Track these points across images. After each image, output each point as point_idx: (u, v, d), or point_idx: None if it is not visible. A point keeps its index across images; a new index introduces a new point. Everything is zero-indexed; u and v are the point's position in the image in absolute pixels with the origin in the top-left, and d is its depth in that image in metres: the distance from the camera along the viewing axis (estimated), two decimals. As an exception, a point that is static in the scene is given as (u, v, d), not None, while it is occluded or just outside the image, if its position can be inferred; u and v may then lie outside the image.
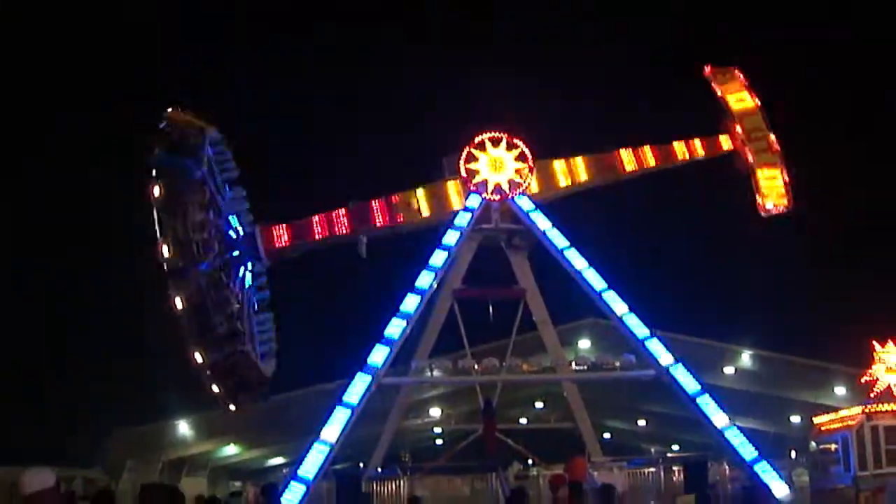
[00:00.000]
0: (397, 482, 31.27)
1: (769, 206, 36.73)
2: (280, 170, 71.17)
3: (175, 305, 27.78)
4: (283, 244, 33.03)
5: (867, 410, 27.09)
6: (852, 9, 65.87)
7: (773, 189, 36.80)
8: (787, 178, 36.80)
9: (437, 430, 37.23)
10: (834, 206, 57.34)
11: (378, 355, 29.43)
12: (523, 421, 35.96)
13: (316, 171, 70.24)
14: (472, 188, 33.04)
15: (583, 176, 35.06)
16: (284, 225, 33.04)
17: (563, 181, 34.80)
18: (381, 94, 76.57)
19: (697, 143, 36.73)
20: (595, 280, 31.29)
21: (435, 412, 36.50)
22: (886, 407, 27.23)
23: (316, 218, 33.23)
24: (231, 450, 57.90)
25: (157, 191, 27.89)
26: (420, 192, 33.86)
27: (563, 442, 34.71)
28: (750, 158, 36.81)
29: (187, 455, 54.40)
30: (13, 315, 48.34)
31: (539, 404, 36.19)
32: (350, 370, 29.81)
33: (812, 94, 58.82)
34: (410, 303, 30.60)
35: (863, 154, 60.62)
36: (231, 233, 32.18)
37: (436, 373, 31.64)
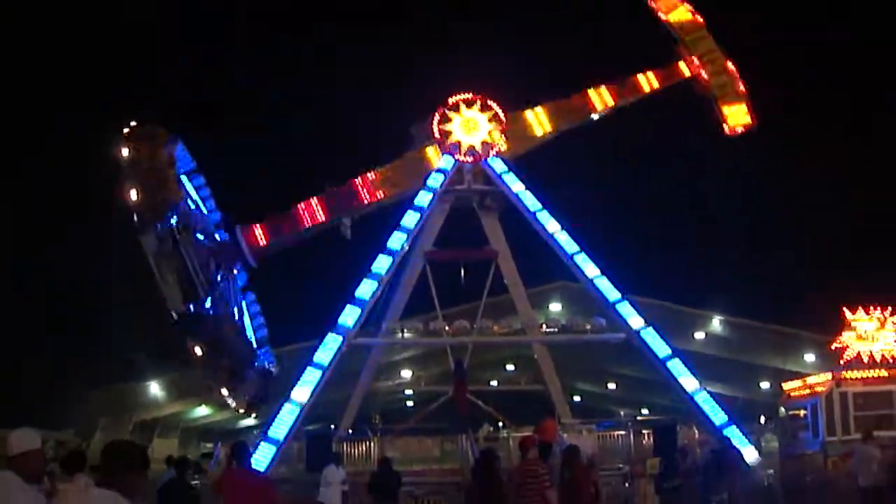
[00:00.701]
0: (368, 443, 31.28)
1: (734, 125, 36.93)
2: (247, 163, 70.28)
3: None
4: (266, 242, 32.92)
5: (836, 377, 27.25)
6: (851, 10, 65.41)
7: (735, 109, 36.96)
8: (747, 96, 37.03)
9: (408, 391, 37.21)
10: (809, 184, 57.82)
11: (349, 316, 29.46)
12: (494, 383, 35.95)
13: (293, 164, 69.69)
14: (444, 149, 32.88)
15: (552, 124, 34.94)
16: (264, 222, 32.90)
17: (536, 131, 34.66)
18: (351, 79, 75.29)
19: (655, 75, 36.70)
20: (567, 243, 31.29)
21: (406, 374, 36.56)
22: (856, 374, 27.40)
23: (302, 206, 33.15)
24: (202, 411, 57.81)
25: (198, 352, 29.14)
26: (396, 164, 33.68)
27: (534, 404, 34.76)
28: (708, 81, 36.87)
29: (159, 416, 54.32)
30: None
31: (510, 366, 36.20)
32: (321, 331, 29.82)
33: (812, 94, 58.87)
34: (382, 263, 30.57)
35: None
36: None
37: (407, 334, 31.63)
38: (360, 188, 33.24)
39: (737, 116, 36.76)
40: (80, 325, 49.15)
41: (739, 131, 36.90)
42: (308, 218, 32.96)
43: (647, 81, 36.30)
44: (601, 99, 35.37)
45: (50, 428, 40.61)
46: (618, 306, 30.29)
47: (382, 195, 33.55)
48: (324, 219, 33.15)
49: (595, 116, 35.51)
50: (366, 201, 33.35)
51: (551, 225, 31.65)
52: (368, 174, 33.38)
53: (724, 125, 36.75)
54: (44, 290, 50.60)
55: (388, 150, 35.48)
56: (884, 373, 27.44)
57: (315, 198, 32.96)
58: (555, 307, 44.04)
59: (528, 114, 34.68)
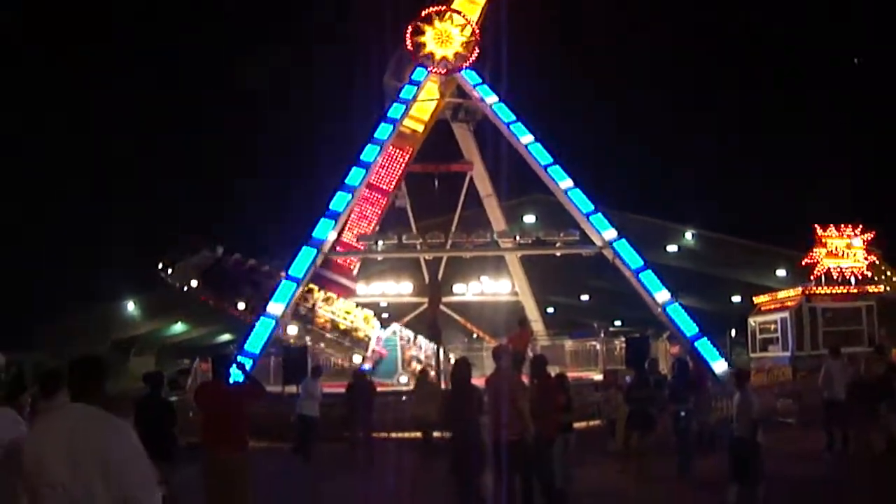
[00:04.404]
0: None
1: None
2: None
3: None
4: (352, 263, 34.35)
5: (807, 292, 27.61)
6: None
7: None
8: None
9: (383, 303, 37.33)
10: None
11: (323, 228, 29.50)
12: (468, 295, 36.09)
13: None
14: (418, 62, 32.64)
15: None
16: (341, 242, 33.32)
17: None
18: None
19: None
20: (541, 154, 31.23)
21: (380, 286, 36.60)
22: (826, 290, 27.78)
23: (359, 207, 33.70)
24: (178, 328, 58.08)
25: None
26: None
27: (508, 316, 35.06)
28: None
29: (135, 335, 54.52)
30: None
31: (484, 278, 36.30)
32: (296, 244, 29.86)
33: None
34: (355, 176, 30.52)
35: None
36: None
37: (381, 247, 31.71)
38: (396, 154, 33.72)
39: None
40: (58, 248, 48.96)
41: None
42: (374, 210, 33.82)
43: None
44: None
45: (27, 349, 40.73)
46: (591, 218, 30.35)
47: (412, 150, 33.91)
48: (385, 202, 34.06)
49: None
50: (403, 167, 33.80)
51: (525, 137, 31.55)
52: (389, 146, 33.59)
53: None
54: (22, 213, 50.31)
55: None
56: (853, 290, 27.89)
57: (365, 189, 33.10)
58: (529, 219, 44.21)
59: None
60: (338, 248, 33.17)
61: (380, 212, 34.10)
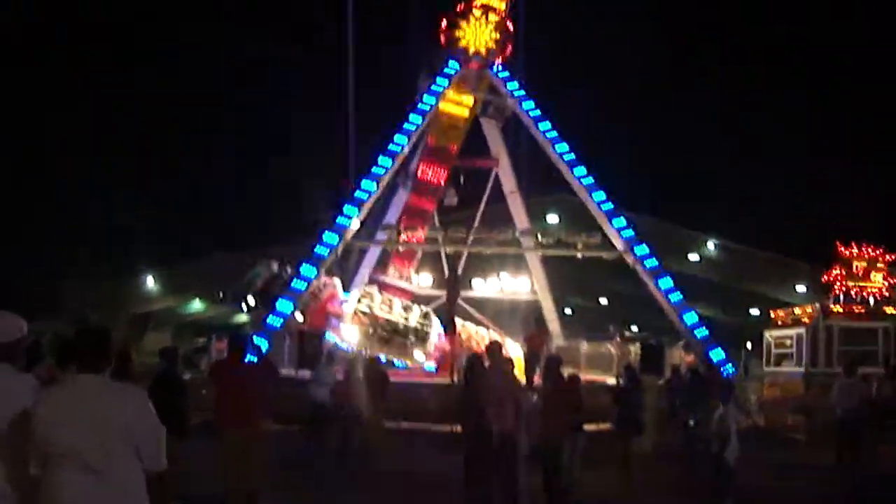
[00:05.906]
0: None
1: None
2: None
3: None
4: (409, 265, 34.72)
5: (824, 309, 27.51)
6: None
7: None
8: None
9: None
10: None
11: (347, 217, 29.58)
12: (486, 291, 36.08)
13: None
14: (451, 55, 32.79)
15: None
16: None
17: None
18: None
19: None
20: (568, 156, 31.28)
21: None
22: (843, 308, 27.68)
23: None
24: (196, 306, 58.21)
25: None
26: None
27: (525, 314, 35.05)
28: None
29: (153, 310, 54.68)
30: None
31: (504, 275, 36.27)
32: (319, 230, 29.88)
33: None
34: (382, 164, 30.57)
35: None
36: None
37: (402, 238, 31.77)
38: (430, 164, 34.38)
39: None
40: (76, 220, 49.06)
41: None
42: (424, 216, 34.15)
43: None
44: None
45: (47, 319, 40.94)
46: (615, 222, 30.35)
47: (455, 149, 34.61)
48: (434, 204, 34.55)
49: None
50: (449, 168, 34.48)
51: (554, 136, 31.60)
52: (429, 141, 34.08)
53: None
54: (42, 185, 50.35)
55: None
56: (871, 310, 27.81)
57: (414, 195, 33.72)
58: (552, 219, 44.12)
59: None
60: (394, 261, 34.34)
61: (428, 215, 34.39)
